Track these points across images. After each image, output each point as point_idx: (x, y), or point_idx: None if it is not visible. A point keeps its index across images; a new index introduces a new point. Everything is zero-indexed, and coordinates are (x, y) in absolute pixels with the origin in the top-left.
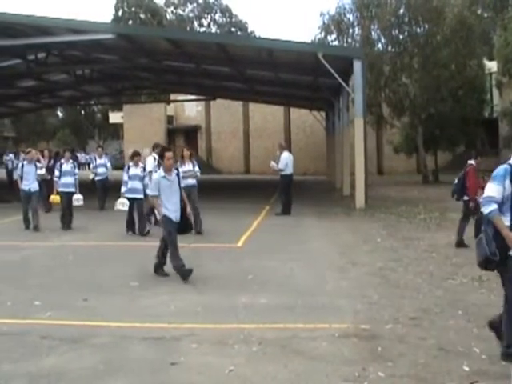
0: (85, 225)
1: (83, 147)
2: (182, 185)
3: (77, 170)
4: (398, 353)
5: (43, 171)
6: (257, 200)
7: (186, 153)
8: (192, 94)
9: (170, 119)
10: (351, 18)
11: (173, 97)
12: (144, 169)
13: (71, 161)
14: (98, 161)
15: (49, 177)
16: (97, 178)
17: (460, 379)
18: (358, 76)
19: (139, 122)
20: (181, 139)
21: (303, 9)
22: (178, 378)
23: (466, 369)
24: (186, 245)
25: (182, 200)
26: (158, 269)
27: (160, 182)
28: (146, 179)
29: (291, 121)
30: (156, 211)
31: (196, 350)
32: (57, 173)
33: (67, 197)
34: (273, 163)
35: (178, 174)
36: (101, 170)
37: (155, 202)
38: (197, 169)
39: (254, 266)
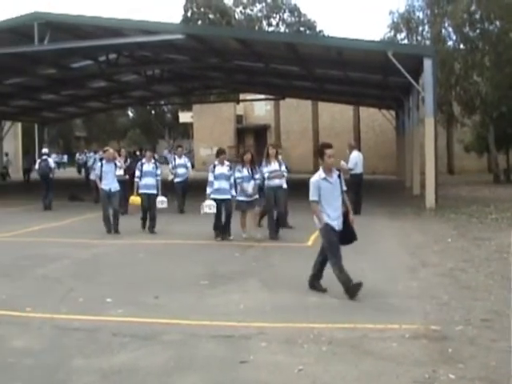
0: (159, 225)
1: (153, 146)
2: (268, 186)
3: (159, 171)
4: (468, 355)
5: (121, 171)
6: None
7: (272, 151)
8: (261, 93)
9: (239, 118)
10: (421, 16)
11: (242, 96)
12: (230, 167)
13: (153, 161)
14: (178, 161)
15: (126, 177)
16: (176, 180)
17: None
18: (428, 74)
19: (209, 121)
20: (250, 139)
21: (372, 7)
22: (247, 377)
23: None
24: (256, 244)
25: (344, 205)
26: (314, 282)
27: (320, 185)
28: (232, 179)
29: (360, 119)
30: (316, 219)
31: (265, 349)
32: (138, 173)
33: (148, 198)
34: (343, 162)
35: (339, 176)
36: (181, 170)
37: (316, 208)
38: (283, 168)
39: None
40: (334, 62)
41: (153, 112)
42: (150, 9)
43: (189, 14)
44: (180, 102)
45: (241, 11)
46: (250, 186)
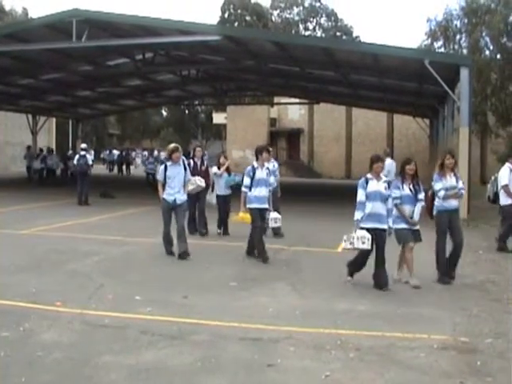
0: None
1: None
2: (442, 208)
3: (272, 179)
4: (497, 368)
5: (199, 182)
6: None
7: (450, 161)
8: (296, 97)
9: (272, 121)
10: (458, 25)
11: (276, 99)
12: (389, 184)
13: (267, 164)
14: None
15: (203, 186)
16: None
17: None
18: (464, 84)
19: (242, 123)
20: (283, 142)
21: (409, 14)
22: (274, 380)
23: None
24: (286, 247)
25: None
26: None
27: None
28: (390, 201)
29: (394, 127)
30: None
31: (293, 353)
32: (247, 181)
33: (261, 216)
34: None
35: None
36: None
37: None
38: (461, 184)
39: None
40: (370, 69)
41: (186, 112)
42: (186, 9)
43: (226, 16)
44: (214, 103)
45: (278, 14)
46: (415, 211)
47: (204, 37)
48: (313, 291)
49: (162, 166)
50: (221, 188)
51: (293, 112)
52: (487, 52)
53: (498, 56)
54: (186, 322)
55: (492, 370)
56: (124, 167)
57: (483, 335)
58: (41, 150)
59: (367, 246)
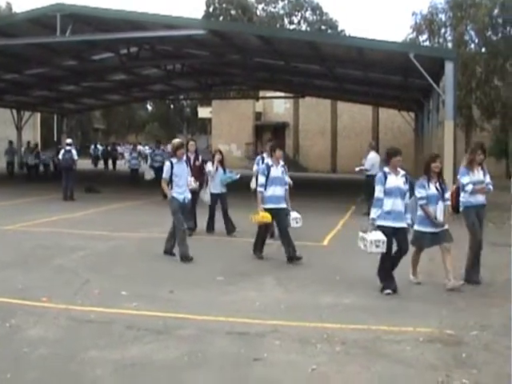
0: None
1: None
2: (468, 204)
3: (288, 177)
4: (482, 360)
5: (194, 183)
6: (343, 199)
7: (480, 157)
8: (281, 91)
9: (257, 115)
10: (443, 18)
11: (261, 93)
12: (407, 179)
13: (282, 162)
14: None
15: (197, 187)
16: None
17: None
18: (449, 77)
19: (227, 117)
20: (268, 136)
21: (394, 8)
22: (260, 374)
23: None
24: (273, 242)
25: None
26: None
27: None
28: (407, 196)
29: (379, 121)
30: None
31: (279, 347)
32: (262, 179)
33: (277, 216)
34: (357, 169)
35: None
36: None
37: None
38: (488, 179)
39: (339, 265)
40: (355, 62)
41: (172, 106)
42: (171, 3)
43: (211, 10)
44: (199, 97)
45: (263, 8)
46: (438, 211)
47: (189, 31)
48: (299, 285)
49: (168, 164)
50: (216, 185)
51: (278, 106)
52: (472, 45)
53: (483, 49)
54: (173, 317)
55: (477, 362)
56: (110, 162)
57: (468, 328)
58: (28, 143)
59: (381, 249)
